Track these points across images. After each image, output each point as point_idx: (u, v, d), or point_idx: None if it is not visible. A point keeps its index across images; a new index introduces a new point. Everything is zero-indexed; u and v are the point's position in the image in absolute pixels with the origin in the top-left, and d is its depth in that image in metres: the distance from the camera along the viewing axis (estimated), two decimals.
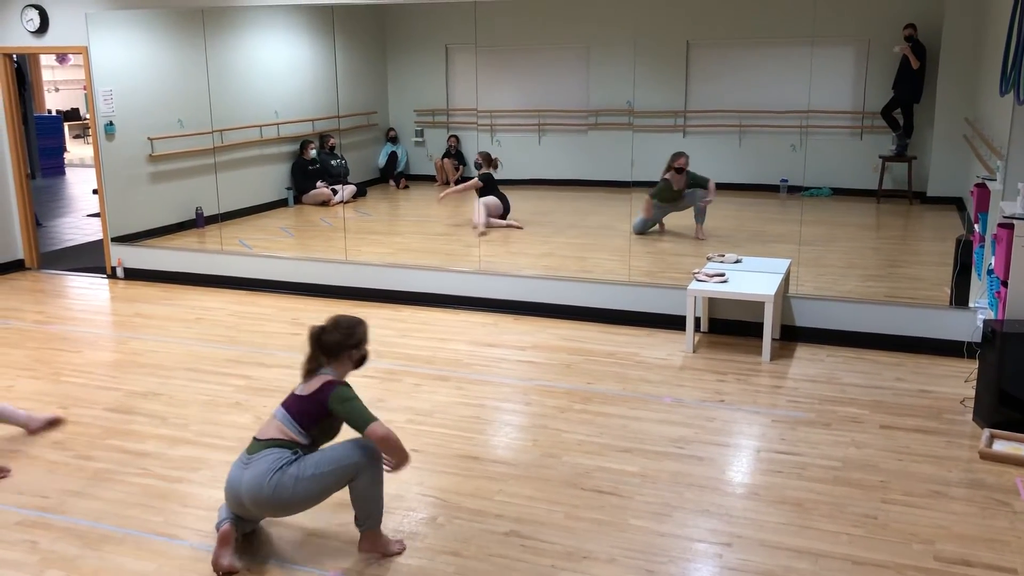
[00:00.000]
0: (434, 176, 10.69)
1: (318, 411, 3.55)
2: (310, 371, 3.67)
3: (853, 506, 3.97)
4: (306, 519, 3.90)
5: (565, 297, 6.84)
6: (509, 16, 9.40)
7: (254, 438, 3.60)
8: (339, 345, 3.63)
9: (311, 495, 3.52)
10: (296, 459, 3.50)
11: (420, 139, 10.76)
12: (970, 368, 5.45)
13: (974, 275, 5.77)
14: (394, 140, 10.77)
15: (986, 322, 4.79)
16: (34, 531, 3.86)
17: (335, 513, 3.95)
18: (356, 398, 3.57)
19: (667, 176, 8.08)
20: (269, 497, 3.46)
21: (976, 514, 3.89)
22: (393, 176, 10.78)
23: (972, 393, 5.02)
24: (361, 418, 3.51)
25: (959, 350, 5.73)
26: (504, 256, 8.00)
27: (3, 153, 8.43)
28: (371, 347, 3.80)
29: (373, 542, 3.62)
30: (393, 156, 10.79)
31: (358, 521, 3.62)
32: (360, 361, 3.72)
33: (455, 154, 10.49)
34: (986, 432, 4.56)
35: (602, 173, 9.54)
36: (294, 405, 3.59)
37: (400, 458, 3.55)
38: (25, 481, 4.32)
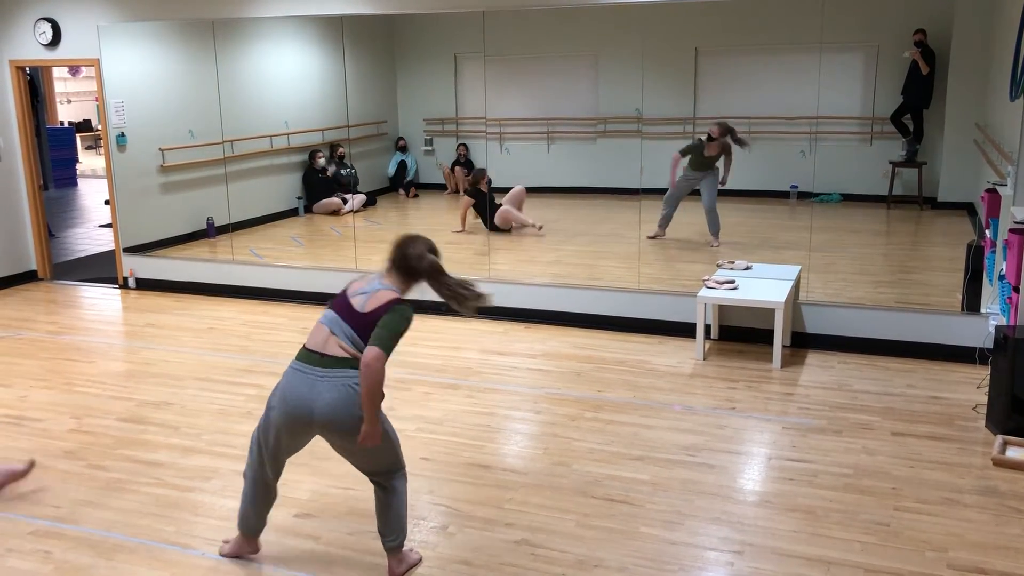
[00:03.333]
0: (444, 185, 10.71)
1: (374, 325, 3.26)
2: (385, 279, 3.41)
3: (865, 514, 3.95)
4: (317, 528, 3.91)
5: (575, 305, 6.84)
6: (518, 25, 9.42)
7: (309, 349, 3.35)
8: (416, 260, 3.42)
9: (378, 448, 3.31)
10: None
11: (430, 148, 10.78)
12: (982, 374, 5.42)
13: (985, 281, 5.75)
14: (403, 149, 10.79)
15: (998, 328, 4.77)
16: (48, 541, 3.88)
17: (342, 522, 3.96)
18: (405, 327, 3.28)
19: (702, 138, 8.07)
20: (352, 429, 3.24)
21: (989, 521, 3.87)
22: (403, 185, 10.81)
23: (984, 399, 4.99)
24: (384, 337, 3.21)
25: (971, 356, 5.70)
26: (514, 264, 8.01)
27: (16, 164, 8.49)
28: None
29: (402, 559, 3.53)
30: (403, 165, 10.81)
31: (390, 538, 3.48)
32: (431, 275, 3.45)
33: (464, 163, 10.51)
34: (999, 439, 4.54)
35: (611, 181, 9.54)
36: (353, 320, 3.31)
37: (371, 403, 3.19)
38: (38, 491, 4.34)
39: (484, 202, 8.86)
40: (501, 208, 8.92)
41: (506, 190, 9.14)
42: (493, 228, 8.77)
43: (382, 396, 3.25)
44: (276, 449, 3.44)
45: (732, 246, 8.04)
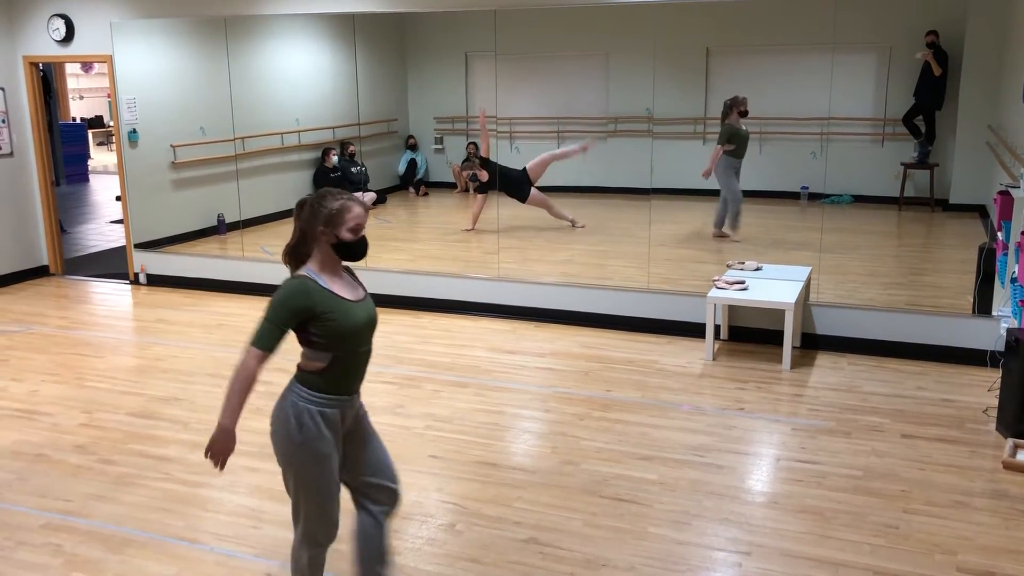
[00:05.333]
0: (454, 183, 10.71)
1: None
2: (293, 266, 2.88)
3: (874, 516, 3.94)
4: None
5: (584, 304, 6.83)
6: (529, 24, 9.42)
7: None
8: (307, 221, 2.82)
9: (289, 485, 2.93)
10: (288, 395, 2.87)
11: (440, 146, 10.79)
12: (993, 377, 5.40)
13: (997, 283, 5.73)
14: (414, 147, 10.80)
15: (1010, 331, 4.75)
16: (58, 534, 3.90)
17: (351, 518, 3.96)
18: (284, 303, 2.72)
19: (730, 122, 7.97)
20: (275, 447, 2.89)
21: (999, 525, 3.86)
22: (413, 183, 10.82)
23: (995, 402, 4.97)
24: (257, 329, 2.74)
25: (982, 359, 5.68)
26: (523, 263, 8.01)
27: (29, 160, 8.54)
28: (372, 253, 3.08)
29: None
30: (413, 163, 10.82)
31: None
32: (342, 248, 2.81)
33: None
34: (1010, 442, 4.52)
35: (621, 180, 9.53)
36: None
37: (225, 401, 2.77)
38: (49, 485, 4.36)
39: (492, 181, 8.87)
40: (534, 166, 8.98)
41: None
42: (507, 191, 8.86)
43: (237, 401, 2.76)
44: None
45: (742, 246, 8.02)
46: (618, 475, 4.35)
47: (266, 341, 2.73)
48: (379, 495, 3.07)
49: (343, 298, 2.81)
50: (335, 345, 2.80)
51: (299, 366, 2.87)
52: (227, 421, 2.76)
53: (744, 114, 7.92)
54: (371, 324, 2.94)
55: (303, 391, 2.84)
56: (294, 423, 2.81)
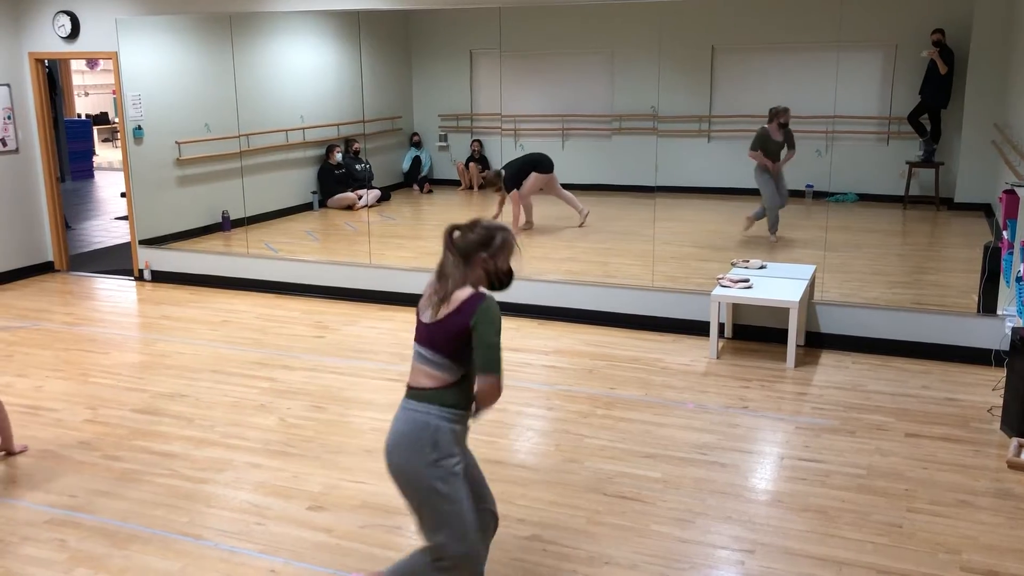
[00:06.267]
0: (458, 181, 10.72)
1: (458, 331, 2.79)
2: (440, 290, 2.85)
3: (878, 514, 3.94)
4: (329, 520, 3.93)
5: (588, 302, 6.83)
6: (534, 21, 9.42)
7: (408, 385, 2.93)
8: (472, 246, 2.84)
9: (428, 508, 2.86)
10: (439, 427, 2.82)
11: (444, 144, 10.80)
12: (998, 376, 5.39)
13: (1002, 282, 5.71)
14: (418, 145, 10.81)
15: (1014, 330, 4.74)
16: (63, 530, 3.92)
17: (354, 514, 3.97)
18: (497, 329, 2.80)
19: (767, 129, 7.93)
20: (406, 472, 2.83)
21: (1003, 524, 3.85)
22: (417, 180, 10.82)
23: (1000, 402, 4.96)
24: (486, 357, 2.77)
25: (987, 358, 5.67)
26: (527, 261, 8.01)
27: (34, 156, 8.55)
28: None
29: None
30: (417, 161, 10.82)
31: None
32: (499, 277, 2.90)
33: (479, 159, 10.52)
34: (1014, 441, 4.51)
35: (626, 178, 9.52)
36: (426, 337, 2.85)
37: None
38: (54, 480, 4.38)
39: (517, 182, 8.88)
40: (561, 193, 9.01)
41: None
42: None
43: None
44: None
45: (747, 245, 8.01)
46: (621, 473, 4.35)
47: (499, 366, 2.82)
48: (484, 519, 3.05)
49: None
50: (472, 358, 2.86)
51: (425, 386, 2.85)
52: None
53: (783, 125, 7.88)
54: None
55: (437, 409, 2.83)
56: (428, 443, 2.80)
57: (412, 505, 2.89)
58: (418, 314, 2.92)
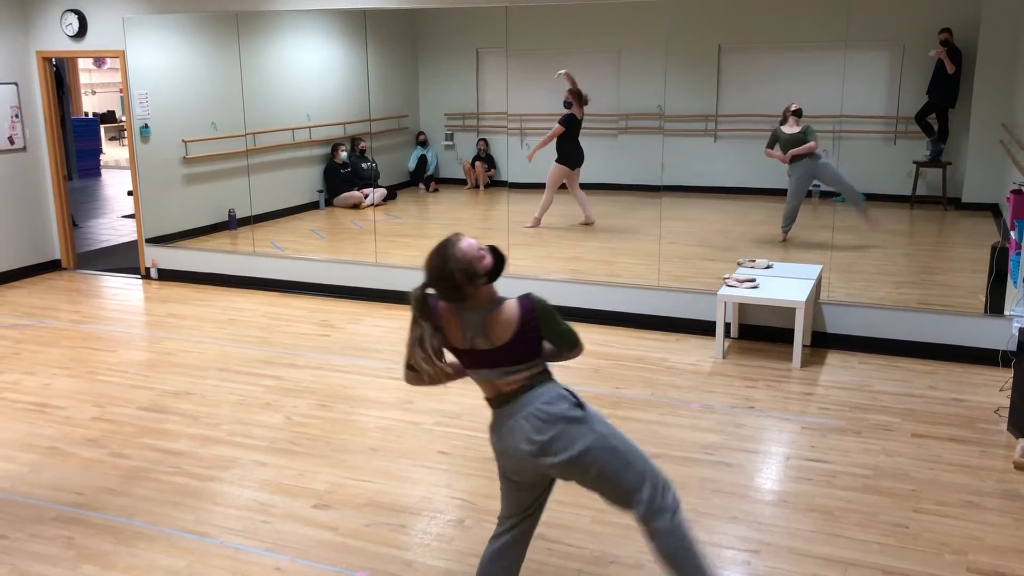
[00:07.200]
0: (464, 179, 10.72)
1: (535, 336, 2.86)
2: (475, 322, 2.84)
3: (884, 515, 3.93)
4: (335, 518, 3.94)
5: (593, 301, 6.83)
6: (540, 20, 9.41)
7: (493, 398, 2.97)
8: (463, 286, 2.79)
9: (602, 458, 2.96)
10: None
11: (450, 143, 10.80)
12: (1005, 377, 5.37)
13: (1010, 283, 5.69)
14: (424, 143, 10.81)
15: (1022, 330, 4.72)
16: (70, 527, 3.93)
17: (360, 513, 3.98)
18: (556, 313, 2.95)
19: (780, 127, 7.89)
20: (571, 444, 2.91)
21: (1010, 525, 3.84)
22: (423, 179, 10.83)
23: (1007, 402, 4.95)
24: (565, 334, 2.94)
25: (994, 359, 5.65)
26: (532, 260, 8.00)
27: (41, 155, 8.58)
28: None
29: None
30: (423, 159, 10.83)
31: None
32: (493, 273, 2.86)
33: (485, 157, 10.52)
34: (1021, 442, 4.49)
35: (632, 177, 9.51)
36: (500, 358, 2.85)
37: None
38: (60, 478, 4.39)
39: (576, 131, 8.74)
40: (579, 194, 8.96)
41: (525, 185, 9.13)
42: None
43: None
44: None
45: (753, 244, 8.00)
46: None
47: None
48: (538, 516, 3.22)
49: None
50: None
51: (536, 373, 2.91)
52: None
53: (785, 120, 7.85)
54: None
55: (542, 384, 2.92)
56: (568, 402, 2.90)
57: (589, 479, 2.90)
58: (457, 348, 2.91)
